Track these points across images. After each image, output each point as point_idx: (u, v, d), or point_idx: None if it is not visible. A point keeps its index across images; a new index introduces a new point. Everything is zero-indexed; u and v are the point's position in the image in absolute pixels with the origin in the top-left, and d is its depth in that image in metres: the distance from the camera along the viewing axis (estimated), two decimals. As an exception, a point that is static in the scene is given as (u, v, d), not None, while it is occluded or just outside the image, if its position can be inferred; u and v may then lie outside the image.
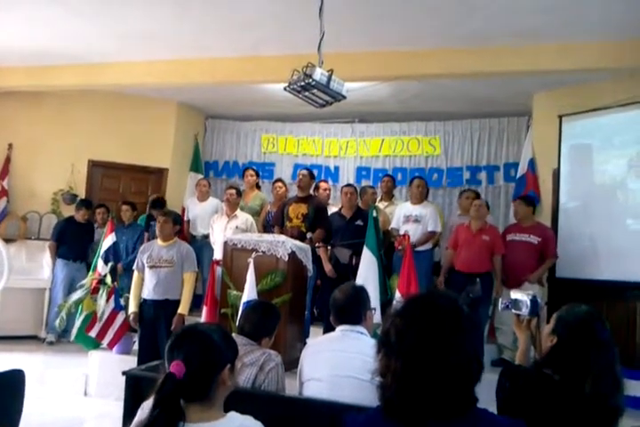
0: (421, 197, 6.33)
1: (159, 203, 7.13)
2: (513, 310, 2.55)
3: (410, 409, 1.35)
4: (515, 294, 2.56)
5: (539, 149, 6.88)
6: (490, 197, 7.63)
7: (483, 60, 5.67)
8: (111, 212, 7.46)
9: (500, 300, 2.61)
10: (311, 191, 6.40)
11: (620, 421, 2.28)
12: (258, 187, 7.74)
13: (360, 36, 5.55)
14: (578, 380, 2.12)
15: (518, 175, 7.14)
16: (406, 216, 6.20)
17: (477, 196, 6.75)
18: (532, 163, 6.90)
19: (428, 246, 6.21)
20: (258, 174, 7.71)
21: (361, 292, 2.92)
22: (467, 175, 8.00)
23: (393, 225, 6.33)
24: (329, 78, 4.35)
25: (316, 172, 8.10)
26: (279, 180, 7.57)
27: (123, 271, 6.52)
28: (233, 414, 1.67)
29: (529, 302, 2.49)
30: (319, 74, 4.29)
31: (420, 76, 6.16)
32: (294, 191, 6.58)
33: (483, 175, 7.93)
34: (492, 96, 7.11)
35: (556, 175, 6.56)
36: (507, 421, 1.40)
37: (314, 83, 4.30)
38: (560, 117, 6.47)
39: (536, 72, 5.76)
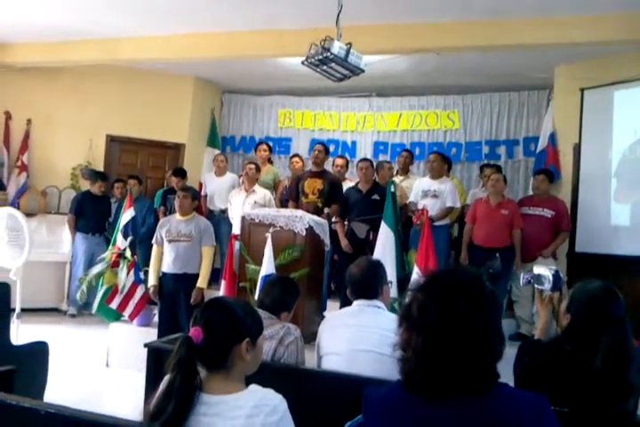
0: (438, 173, 6.21)
1: (180, 171, 7.13)
2: (535, 285, 2.53)
3: (430, 384, 1.35)
4: (537, 269, 2.55)
5: (559, 123, 6.77)
6: (509, 171, 7.54)
7: (503, 33, 5.57)
8: (129, 186, 7.50)
9: (522, 275, 2.60)
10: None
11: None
12: (270, 162, 7.72)
13: (379, 9, 5.44)
14: (590, 355, 2.12)
15: (538, 150, 7.03)
16: (424, 191, 6.11)
17: (499, 169, 6.69)
18: (552, 137, 6.78)
19: (445, 222, 6.14)
20: (271, 149, 7.68)
21: (377, 266, 2.90)
22: (486, 150, 7.90)
23: (411, 199, 6.26)
24: (347, 52, 4.29)
25: (332, 147, 8.05)
26: (296, 155, 7.54)
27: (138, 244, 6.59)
28: (254, 387, 1.69)
29: (551, 277, 2.47)
30: (337, 47, 4.24)
31: (439, 49, 6.05)
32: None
33: (502, 149, 7.83)
34: (512, 69, 6.98)
35: (577, 149, 6.47)
36: (529, 395, 1.38)
37: (332, 56, 4.25)
38: (582, 90, 6.37)
39: (556, 45, 5.64)
